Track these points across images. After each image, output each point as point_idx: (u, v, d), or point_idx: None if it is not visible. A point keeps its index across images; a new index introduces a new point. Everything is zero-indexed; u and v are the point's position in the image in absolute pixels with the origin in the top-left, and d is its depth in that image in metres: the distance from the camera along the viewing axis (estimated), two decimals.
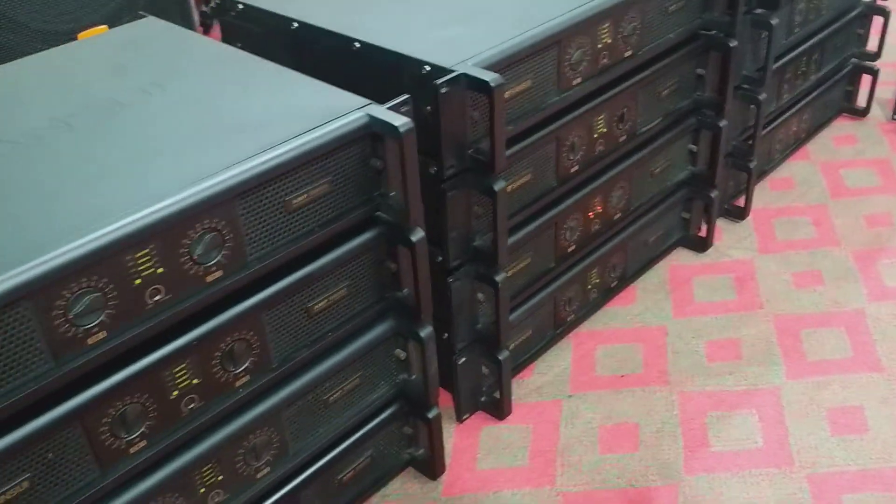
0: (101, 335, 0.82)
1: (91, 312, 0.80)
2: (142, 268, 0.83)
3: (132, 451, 0.90)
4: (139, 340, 0.86)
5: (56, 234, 0.79)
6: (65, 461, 0.84)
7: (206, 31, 2.78)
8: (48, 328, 0.78)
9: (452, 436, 1.35)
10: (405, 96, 1.03)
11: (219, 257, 0.90)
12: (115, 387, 0.85)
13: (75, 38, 1.97)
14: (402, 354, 1.18)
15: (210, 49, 1.19)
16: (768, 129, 1.84)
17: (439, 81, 1.07)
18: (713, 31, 1.50)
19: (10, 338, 0.76)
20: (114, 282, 0.81)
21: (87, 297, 0.80)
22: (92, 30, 2.00)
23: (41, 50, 1.90)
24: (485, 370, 1.35)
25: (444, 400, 1.34)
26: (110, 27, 2.02)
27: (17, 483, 0.81)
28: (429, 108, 1.11)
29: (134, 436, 0.89)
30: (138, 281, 0.83)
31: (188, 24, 2.15)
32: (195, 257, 0.88)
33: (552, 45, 1.20)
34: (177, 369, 0.91)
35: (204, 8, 2.69)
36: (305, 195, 0.97)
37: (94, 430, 0.85)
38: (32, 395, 0.79)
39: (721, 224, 1.78)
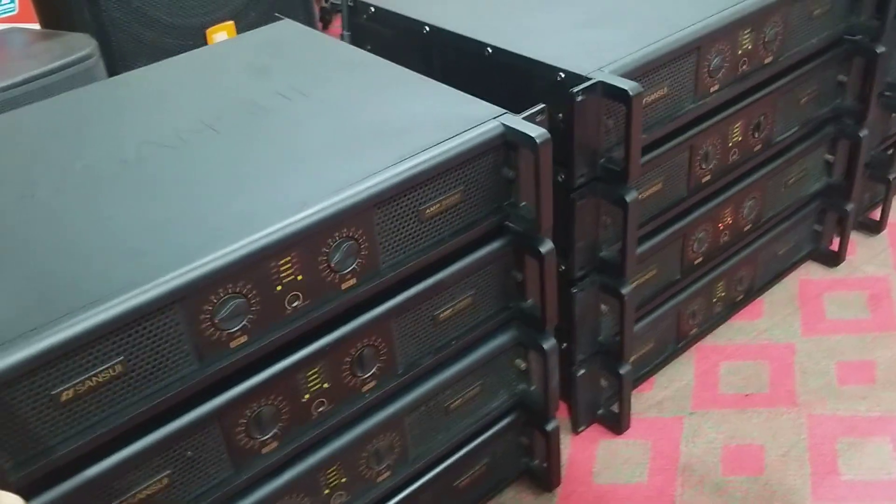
0: (243, 339, 0.84)
1: (235, 317, 0.82)
2: (283, 274, 0.85)
3: (264, 451, 0.92)
4: (277, 345, 0.87)
5: (205, 239, 0.81)
6: (202, 459, 0.87)
7: (326, 26, 2.83)
8: (195, 331, 0.80)
9: (568, 447, 1.33)
10: (541, 105, 1.01)
11: (354, 265, 0.90)
12: (253, 389, 0.87)
13: (203, 33, 2.03)
14: (522, 365, 1.16)
15: (345, 54, 1.20)
16: None
17: (575, 90, 1.05)
18: (858, 36, 1.42)
19: (161, 340, 0.78)
20: (257, 287, 0.83)
21: (232, 302, 0.81)
22: (219, 25, 2.06)
23: (172, 42, 1.98)
24: (604, 382, 1.33)
25: (561, 409, 1.32)
26: (236, 23, 2.08)
27: (158, 478, 0.84)
28: (561, 115, 1.09)
29: (267, 436, 0.91)
30: (279, 287, 0.85)
31: (310, 19, 2.18)
32: (332, 265, 0.88)
33: (692, 52, 1.16)
34: (310, 373, 0.92)
35: (324, 4, 2.74)
36: (438, 204, 0.96)
37: (230, 430, 0.88)
38: (178, 395, 0.81)
39: (855, 237, 1.68)
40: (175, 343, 0.80)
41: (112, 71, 1.79)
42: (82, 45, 1.64)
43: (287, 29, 1.28)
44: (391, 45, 1.32)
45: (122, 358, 0.77)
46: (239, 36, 1.31)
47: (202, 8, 2.02)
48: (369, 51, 1.33)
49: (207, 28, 2.04)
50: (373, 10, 1.33)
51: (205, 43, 2.01)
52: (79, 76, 1.60)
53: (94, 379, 0.76)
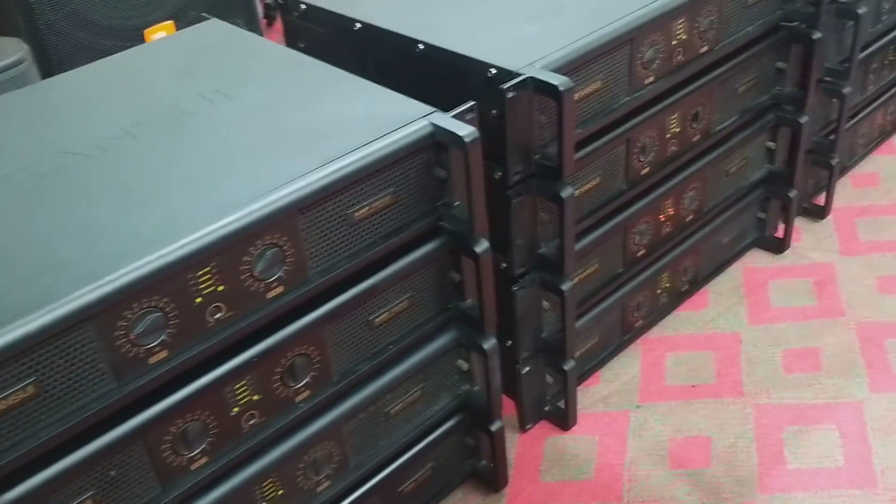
0: (163, 354, 0.81)
1: (152, 332, 0.79)
2: (203, 286, 0.82)
3: (193, 467, 0.89)
4: (200, 359, 0.85)
5: (116, 253, 0.78)
6: (127, 478, 0.84)
7: (270, 23, 2.78)
8: (110, 349, 0.77)
9: (515, 445, 1.31)
10: (470, 103, 0.99)
11: (280, 273, 0.88)
12: (177, 405, 0.84)
13: (142, 34, 1.99)
14: (464, 365, 1.15)
15: (272, 54, 1.17)
16: (851, 122, 1.75)
17: (506, 86, 1.03)
18: (795, 23, 1.42)
19: (74, 359, 0.75)
20: (175, 301, 0.80)
21: (148, 317, 0.79)
22: (158, 25, 2.02)
23: (110, 45, 1.93)
24: (549, 379, 1.32)
25: (507, 407, 1.31)
26: (176, 22, 2.03)
27: (81, 500, 0.81)
28: (494, 112, 1.07)
29: (195, 452, 0.88)
30: (199, 299, 0.82)
31: (252, 18, 2.15)
32: (256, 274, 0.86)
33: (624, 44, 1.15)
34: (238, 386, 0.89)
35: (268, 0, 2.70)
36: (368, 207, 0.94)
37: (155, 448, 0.85)
38: (96, 415, 0.79)
39: (799, 224, 1.69)
40: (90, 361, 0.77)
41: (48, 76, 1.75)
42: (13, 50, 1.60)
43: (214, 29, 1.25)
44: (324, 44, 1.29)
45: (33, 379, 0.74)
46: (164, 38, 1.27)
47: (139, 9, 1.98)
48: (302, 50, 1.30)
49: (146, 28, 1.99)
50: (303, 7, 1.30)
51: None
52: (10, 82, 1.56)
53: (3, 402, 0.73)
